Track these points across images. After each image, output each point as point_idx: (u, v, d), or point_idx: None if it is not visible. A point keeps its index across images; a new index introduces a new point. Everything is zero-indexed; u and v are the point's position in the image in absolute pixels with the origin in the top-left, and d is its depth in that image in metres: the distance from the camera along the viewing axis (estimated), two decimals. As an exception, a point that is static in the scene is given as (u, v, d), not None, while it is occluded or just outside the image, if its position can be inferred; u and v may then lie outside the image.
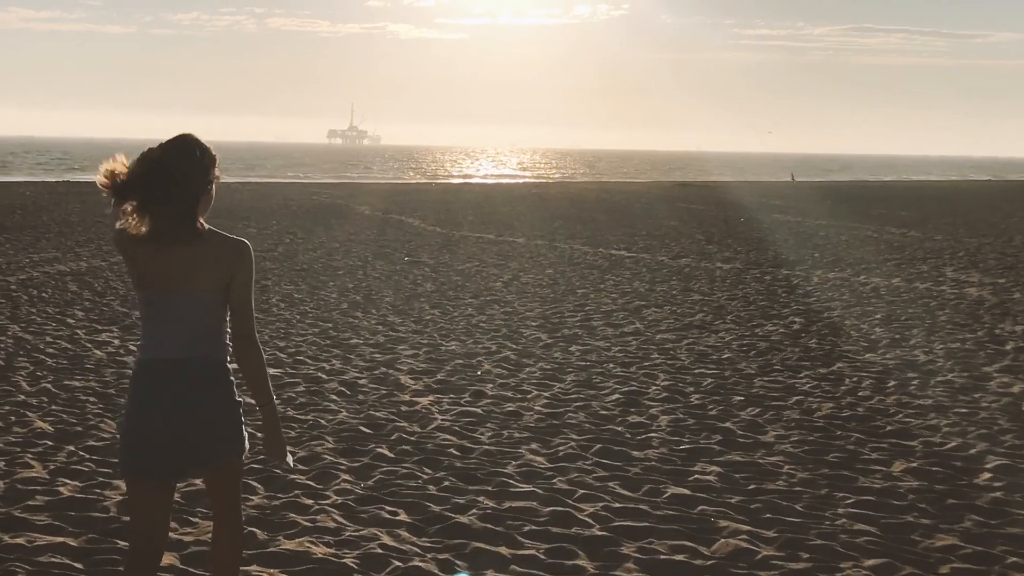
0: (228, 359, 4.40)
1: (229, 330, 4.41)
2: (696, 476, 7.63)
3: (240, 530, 4.65)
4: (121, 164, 4.18)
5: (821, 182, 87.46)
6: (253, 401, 4.48)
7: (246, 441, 4.46)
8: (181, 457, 4.30)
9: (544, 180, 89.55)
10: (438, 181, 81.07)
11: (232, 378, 4.39)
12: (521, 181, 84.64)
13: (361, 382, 10.53)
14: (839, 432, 8.86)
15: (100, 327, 13.25)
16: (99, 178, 4.17)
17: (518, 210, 39.65)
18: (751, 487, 7.39)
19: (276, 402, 4.56)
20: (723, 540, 6.37)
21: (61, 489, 7.09)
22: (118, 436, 4.32)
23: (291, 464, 4.66)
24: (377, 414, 9.28)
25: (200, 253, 4.25)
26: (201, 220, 4.30)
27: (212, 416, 4.30)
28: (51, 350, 11.74)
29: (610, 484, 7.43)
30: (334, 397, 9.90)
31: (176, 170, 4.19)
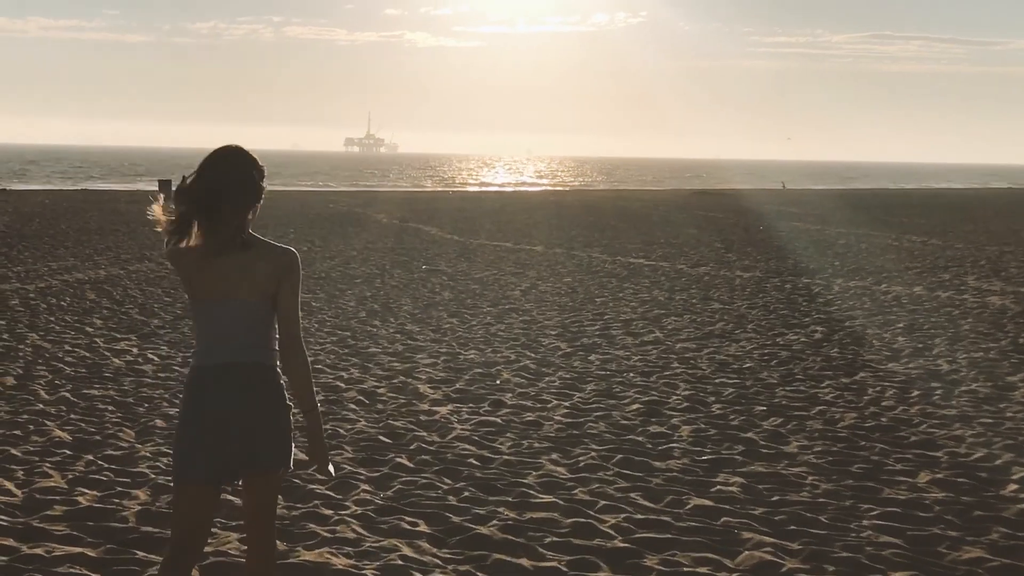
0: (278, 365, 4.43)
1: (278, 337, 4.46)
2: (719, 487, 7.55)
3: (273, 544, 4.58)
4: (167, 209, 4.28)
5: (841, 190, 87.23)
6: (297, 407, 4.48)
7: (292, 452, 4.46)
8: (230, 460, 4.34)
9: (561, 188, 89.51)
10: (455, 189, 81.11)
11: (282, 383, 4.43)
12: (538, 189, 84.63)
13: (380, 391, 10.48)
14: (863, 442, 8.77)
15: (119, 335, 13.23)
16: (158, 220, 4.29)
17: (535, 218, 39.62)
18: (775, 498, 7.31)
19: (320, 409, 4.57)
20: (747, 552, 6.29)
21: (79, 499, 7.06)
22: (173, 439, 4.43)
23: (332, 472, 4.63)
24: (396, 423, 9.22)
25: (248, 262, 4.30)
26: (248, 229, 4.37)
27: (262, 420, 4.34)
28: (69, 359, 11.72)
29: (632, 495, 7.36)
30: (353, 406, 9.85)
31: (230, 189, 4.26)
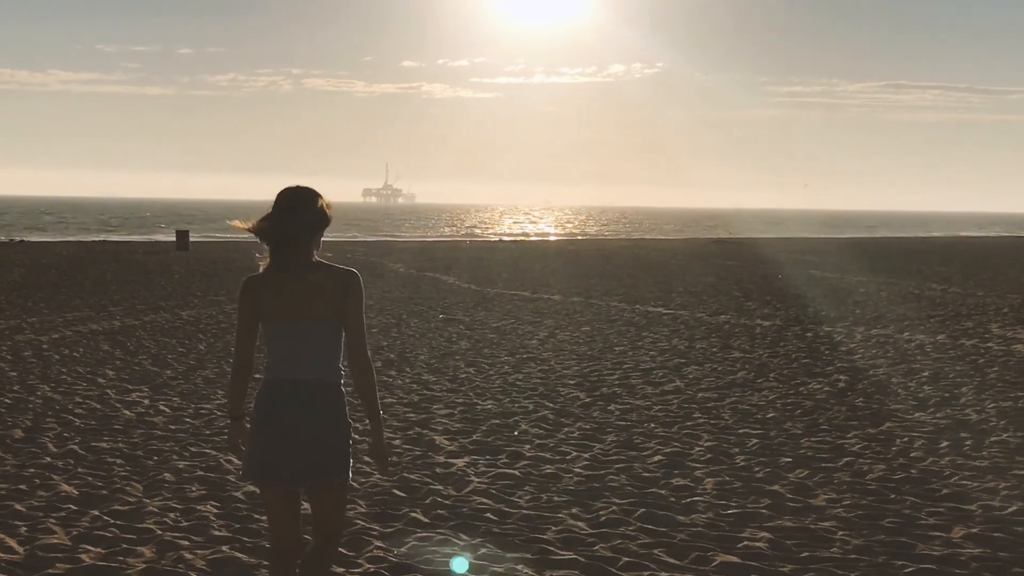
0: (342, 382, 4.89)
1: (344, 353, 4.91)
2: (746, 543, 7.27)
3: (335, 548, 5.06)
4: (246, 222, 4.81)
5: (859, 238, 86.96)
6: (362, 411, 4.97)
7: (350, 464, 4.89)
8: (295, 467, 4.76)
9: (579, 237, 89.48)
10: (472, 239, 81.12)
11: (344, 400, 4.87)
12: (556, 238, 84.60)
13: (395, 443, 10.23)
14: (893, 495, 8.48)
15: (131, 387, 13.04)
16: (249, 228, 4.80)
17: (553, 267, 39.45)
18: (804, 554, 7.03)
19: (382, 416, 5.03)
20: (777, 612, 6.02)
21: (83, 556, 6.82)
22: (244, 447, 4.97)
23: (389, 471, 4.95)
24: (411, 476, 8.97)
25: (317, 286, 4.80)
26: (315, 255, 4.90)
27: (324, 432, 4.77)
28: (80, 410, 11.52)
29: (655, 551, 7.09)
30: (366, 459, 9.58)
31: (297, 213, 4.80)
